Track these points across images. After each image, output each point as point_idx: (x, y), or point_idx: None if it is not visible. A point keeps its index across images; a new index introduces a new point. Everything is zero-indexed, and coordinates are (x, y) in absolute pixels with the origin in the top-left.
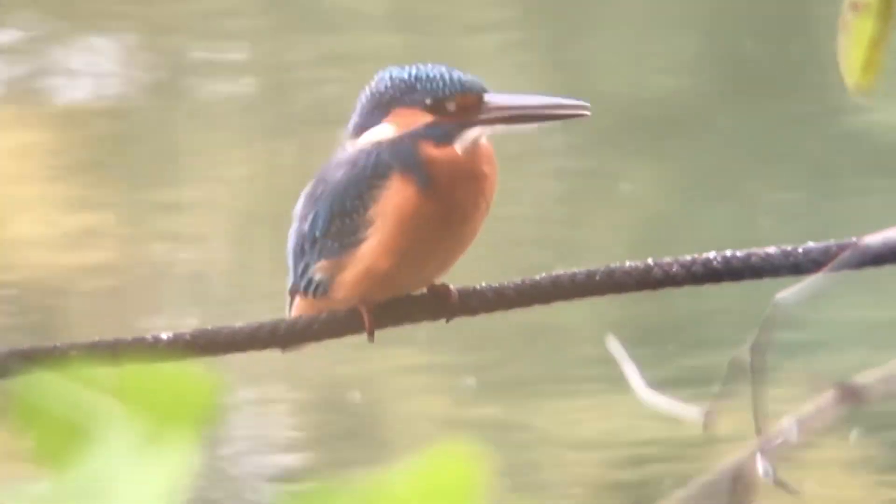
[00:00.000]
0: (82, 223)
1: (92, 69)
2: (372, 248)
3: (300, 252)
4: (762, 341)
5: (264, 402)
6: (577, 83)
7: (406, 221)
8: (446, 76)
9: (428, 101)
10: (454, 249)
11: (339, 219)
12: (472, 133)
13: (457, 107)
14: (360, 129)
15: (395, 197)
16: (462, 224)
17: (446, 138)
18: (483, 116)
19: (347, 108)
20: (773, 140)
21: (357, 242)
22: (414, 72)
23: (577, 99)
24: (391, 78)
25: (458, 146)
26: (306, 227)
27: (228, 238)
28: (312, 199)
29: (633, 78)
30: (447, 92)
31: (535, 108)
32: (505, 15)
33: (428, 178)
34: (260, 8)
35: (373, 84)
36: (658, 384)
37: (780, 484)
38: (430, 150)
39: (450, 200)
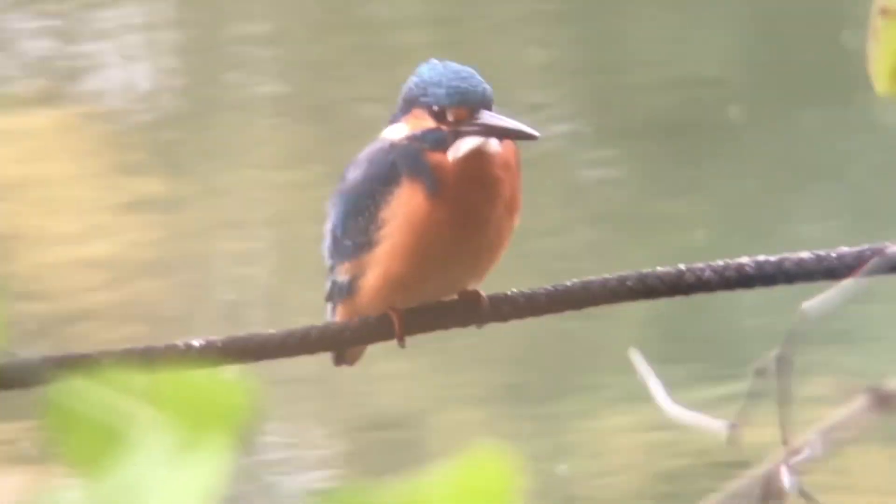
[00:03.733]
0: (119, 224)
1: (126, 63)
2: (386, 252)
3: (328, 252)
4: (788, 351)
5: (299, 412)
6: (612, 83)
7: (416, 226)
8: (454, 84)
9: (434, 107)
10: (478, 256)
11: (355, 219)
12: (463, 143)
13: (454, 116)
14: (391, 122)
15: (404, 201)
16: (478, 229)
17: (440, 145)
18: (467, 129)
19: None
20: (810, 144)
21: (372, 244)
22: (437, 73)
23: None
24: (419, 75)
25: (450, 154)
26: (330, 225)
27: (268, 242)
28: (336, 196)
29: (667, 79)
30: (447, 101)
31: (502, 129)
32: (539, 7)
33: (435, 182)
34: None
35: (410, 78)
36: (685, 395)
37: (805, 496)
38: (437, 155)
39: (459, 205)
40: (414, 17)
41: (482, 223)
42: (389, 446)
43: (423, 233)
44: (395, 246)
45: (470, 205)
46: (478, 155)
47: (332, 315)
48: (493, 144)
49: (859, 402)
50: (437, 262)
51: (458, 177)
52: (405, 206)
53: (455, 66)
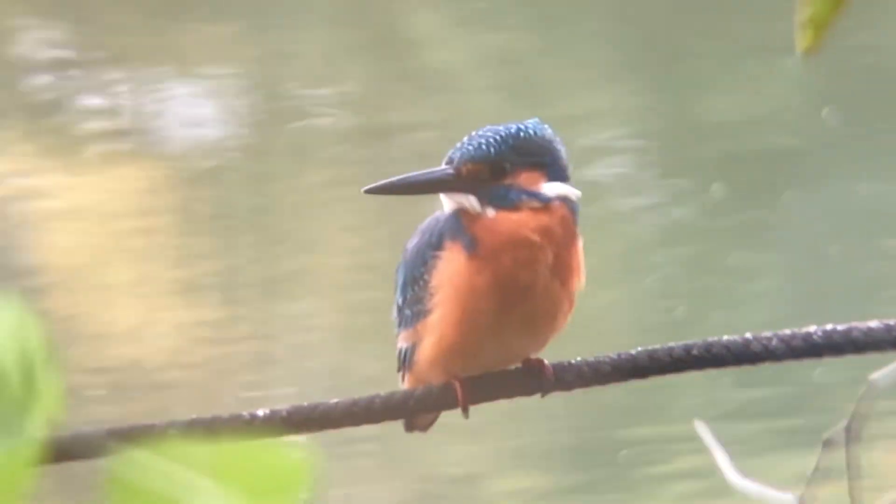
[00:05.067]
0: (182, 291)
1: (194, 115)
2: (438, 319)
3: (395, 320)
4: (857, 421)
5: (360, 474)
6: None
7: (461, 290)
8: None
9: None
10: (532, 323)
11: (412, 287)
12: (465, 200)
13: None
14: None
15: (448, 266)
16: (523, 295)
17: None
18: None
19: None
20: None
21: (426, 312)
22: (477, 132)
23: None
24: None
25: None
26: (396, 294)
27: (334, 312)
28: (399, 266)
29: (742, 127)
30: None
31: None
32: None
33: (472, 243)
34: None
35: None
36: (751, 466)
37: None
38: (471, 215)
39: (497, 267)
40: (482, 59)
41: (526, 287)
42: None
43: (467, 297)
44: (445, 314)
45: (507, 268)
46: (506, 217)
47: (401, 383)
48: (471, 203)
49: None
50: (487, 329)
51: (490, 238)
52: (449, 270)
53: (497, 126)
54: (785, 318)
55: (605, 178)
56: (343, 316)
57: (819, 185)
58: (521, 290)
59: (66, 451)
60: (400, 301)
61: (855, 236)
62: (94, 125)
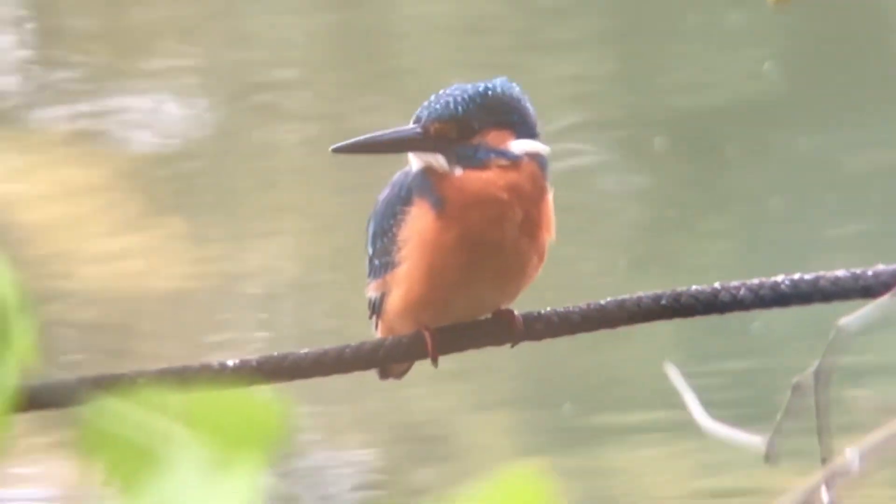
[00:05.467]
0: (147, 249)
1: (153, 114)
2: (405, 272)
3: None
4: (826, 367)
5: (334, 429)
6: (647, 98)
7: (428, 245)
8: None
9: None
10: (503, 277)
11: (381, 239)
12: (433, 159)
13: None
14: None
15: (416, 222)
16: (491, 250)
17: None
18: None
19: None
20: (843, 162)
21: (395, 264)
22: (444, 91)
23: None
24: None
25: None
26: (367, 244)
27: (297, 266)
28: (370, 217)
29: (703, 93)
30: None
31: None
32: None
33: (440, 201)
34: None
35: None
36: (719, 412)
37: None
38: (438, 173)
39: (464, 224)
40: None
41: (494, 244)
42: (424, 457)
43: (435, 253)
44: (413, 268)
45: (474, 224)
46: (474, 176)
47: (374, 330)
48: (439, 161)
49: None
50: (456, 283)
51: (458, 195)
52: (417, 226)
53: (465, 85)
54: (731, 267)
55: (558, 139)
56: (307, 270)
57: (761, 140)
58: (489, 246)
59: (37, 398)
60: (370, 251)
61: (797, 190)
62: (55, 117)
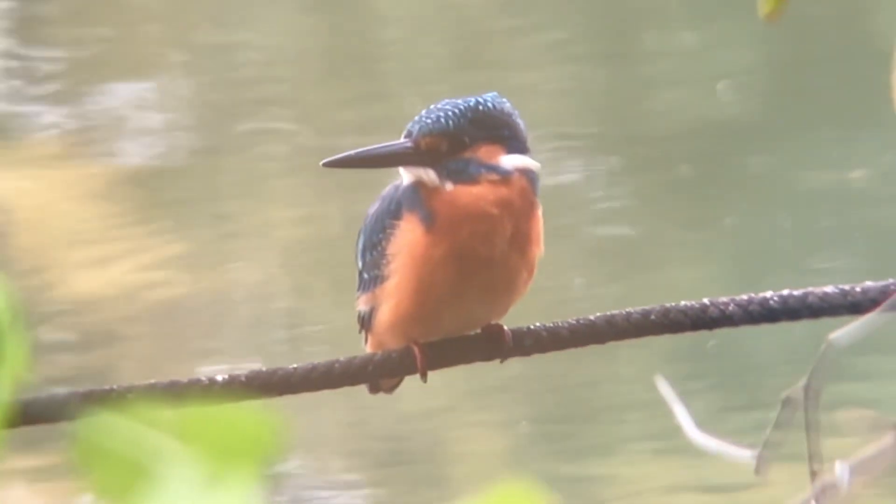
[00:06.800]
0: (140, 267)
1: (140, 122)
2: (394, 286)
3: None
4: (816, 381)
5: (323, 443)
6: (629, 106)
7: (417, 260)
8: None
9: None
10: (492, 292)
11: (370, 252)
12: (423, 174)
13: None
14: None
15: (404, 236)
16: (480, 265)
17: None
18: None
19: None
20: (829, 173)
21: (384, 278)
22: (435, 105)
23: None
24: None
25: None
26: (356, 257)
27: (286, 278)
28: (361, 230)
29: (687, 100)
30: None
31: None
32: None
33: (429, 215)
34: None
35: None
36: (710, 427)
37: None
38: (428, 188)
39: (454, 240)
40: (434, 42)
41: (484, 259)
42: (415, 476)
43: (424, 267)
44: (401, 282)
45: (464, 239)
46: (464, 191)
47: (364, 344)
48: (430, 176)
49: (887, 436)
50: (444, 298)
51: (448, 210)
52: (406, 240)
53: (456, 100)
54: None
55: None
56: (296, 282)
57: (714, 160)
58: (478, 261)
59: (29, 413)
60: (360, 265)
61: (748, 209)
62: (43, 122)
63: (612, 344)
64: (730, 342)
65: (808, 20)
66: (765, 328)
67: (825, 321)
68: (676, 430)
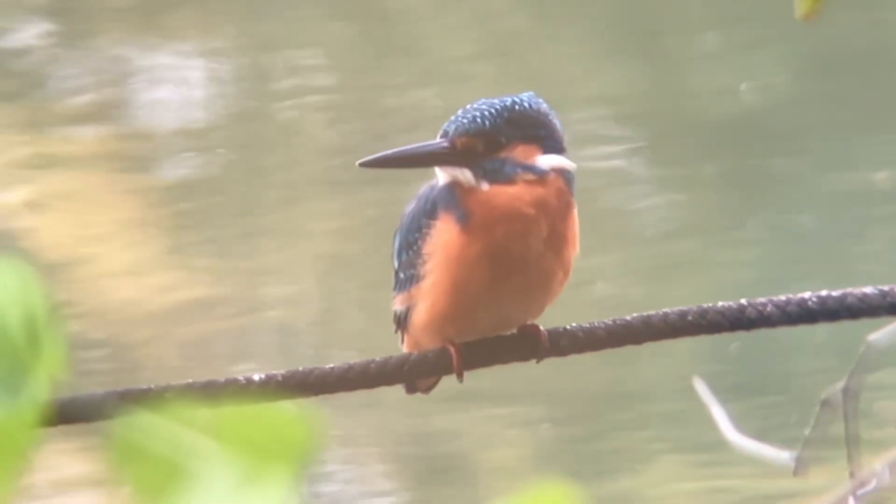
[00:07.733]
0: (174, 269)
1: (178, 95)
2: (430, 286)
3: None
4: (855, 382)
5: (358, 444)
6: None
7: (452, 260)
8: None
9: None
10: (527, 292)
11: (406, 252)
12: (459, 174)
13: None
14: None
15: (440, 236)
16: (516, 266)
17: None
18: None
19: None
20: (866, 171)
21: (420, 277)
22: (472, 105)
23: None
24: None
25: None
26: (392, 257)
27: (318, 278)
28: (397, 230)
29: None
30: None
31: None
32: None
33: (465, 215)
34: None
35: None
36: (748, 428)
37: None
38: (464, 187)
39: (489, 240)
40: (472, 44)
41: (519, 259)
42: (447, 476)
43: (459, 267)
44: (437, 281)
45: (500, 239)
46: (500, 191)
47: (400, 344)
48: (466, 176)
49: None
50: (480, 298)
51: (483, 210)
52: (441, 240)
53: (492, 99)
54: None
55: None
56: (327, 291)
57: (743, 159)
58: (513, 262)
59: (66, 412)
60: (396, 264)
61: (768, 211)
62: (77, 103)
63: (630, 349)
64: (753, 344)
65: (834, 22)
66: (787, 330)
67: (846, 323)
68: (709, 436)
